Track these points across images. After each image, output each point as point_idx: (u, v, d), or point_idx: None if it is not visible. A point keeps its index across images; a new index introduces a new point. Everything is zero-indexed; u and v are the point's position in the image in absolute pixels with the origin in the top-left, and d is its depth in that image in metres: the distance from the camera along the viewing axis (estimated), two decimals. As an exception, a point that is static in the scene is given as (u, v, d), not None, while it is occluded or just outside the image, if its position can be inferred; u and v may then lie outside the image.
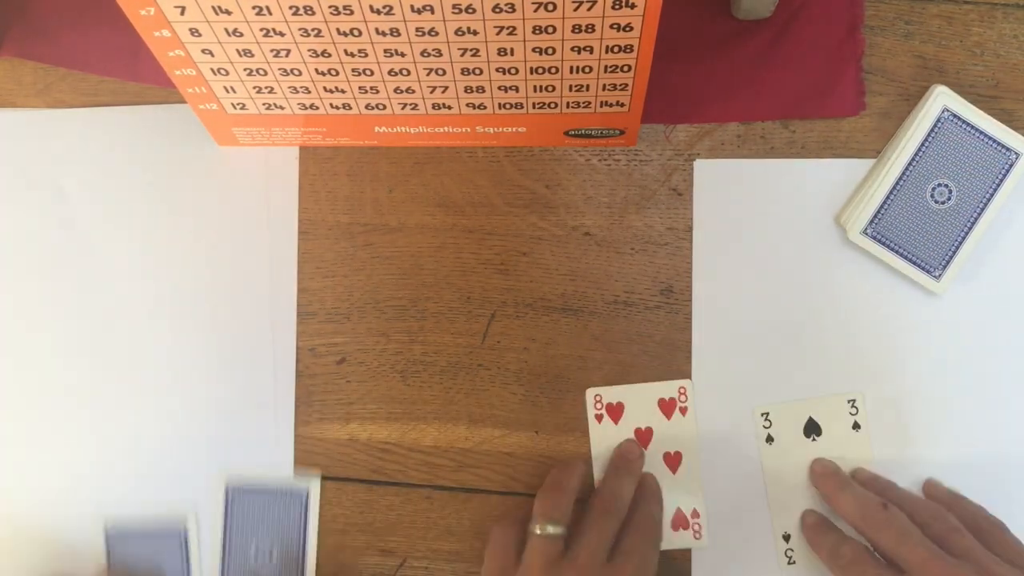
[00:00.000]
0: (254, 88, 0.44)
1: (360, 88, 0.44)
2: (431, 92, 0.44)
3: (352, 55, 0.41)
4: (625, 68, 0.42)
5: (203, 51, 0.41)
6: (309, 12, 0.38)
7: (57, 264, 0.51)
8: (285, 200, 0.51)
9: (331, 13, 0.38)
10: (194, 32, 0.40)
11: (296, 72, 0.43)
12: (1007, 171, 0.47)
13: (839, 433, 0.48)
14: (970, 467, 0.48)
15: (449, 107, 0.45)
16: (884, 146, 0.49)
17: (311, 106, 0.46)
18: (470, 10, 0.38)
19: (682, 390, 0.49)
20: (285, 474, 0.50)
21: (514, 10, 0.38)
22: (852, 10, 0.49)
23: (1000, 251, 0.48)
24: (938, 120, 0.47)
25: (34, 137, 0.51)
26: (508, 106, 0.45)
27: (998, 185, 0.47)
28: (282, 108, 0.46)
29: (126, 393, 0.50)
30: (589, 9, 0.38)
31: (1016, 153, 0.47)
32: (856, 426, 0.48)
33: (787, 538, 0.48)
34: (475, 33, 0.39)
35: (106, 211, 0.51)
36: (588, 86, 0.43)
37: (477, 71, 0.42)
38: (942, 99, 0.47)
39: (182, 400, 0.50)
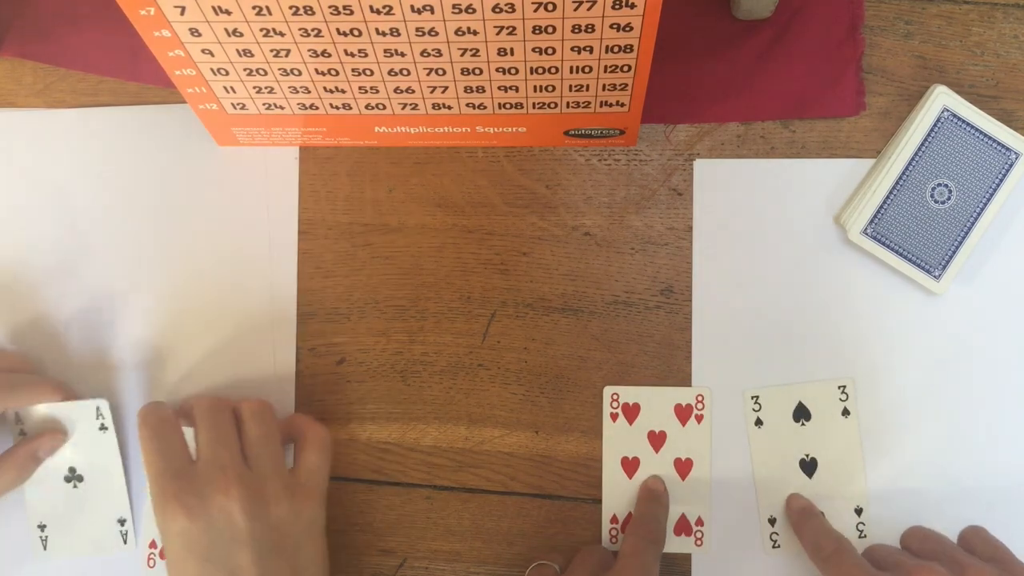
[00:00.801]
0: (254, 88, 0.44)
1: (360, 88, 0.44)
2: (431, 92, 0.44)
3: (352, 55, 0.41)
4: (625, 68, 0.42)
5: (203, 51, 0.41)
6: (309, 12, 0.38)
7: (57, 264, 0.51)
8: (285, 200, 0.51)
9: (331, 13, 0.38)
10: (194, 32, 0.40)
11: (296, 72, 0.43)
12: (1007, 171, 0.47)
13: (828, 418, 0.48)
14: (965, 465, 0.48)
15: (449, 107, 0.45)
16: (884, 146, 0.49)
17: (311, 106, 0.46)
18: (470, 10, 0.38)
19: (699, 398, 0.49)
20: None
21: (514, 10, 0.38)
22: (852, 10, 0.49)
23: (1000, 251, 0.48)
24: (938, 120, 0.47)
25: (34, 137, 0.51)
26: (508, 106, 0.45)
27: (998, 185, 0.47)
28: (282, 108, 0.46)
29: (124, 390, 0.50)
30: (589, 9, 0.38)
31: (1016, 153, 0.47)
32: (846, 412, 0.48)
33: (772, 521, 0.48)
34: (475, 33, 0.39)
35: (106, 211, 0.51)
36: (588, 86, 0.43)
37: (477, 71, 0.42)
38: (942, 99, 0.47)
39: (182, 400, 0.50)
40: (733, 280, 0.49)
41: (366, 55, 0.41)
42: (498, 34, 0.39)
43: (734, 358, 0.49)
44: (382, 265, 0.50)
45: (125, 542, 0.49)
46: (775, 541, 0.48)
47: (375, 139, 0.49)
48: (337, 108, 0.46)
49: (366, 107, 0.46)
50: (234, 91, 0.45)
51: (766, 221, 0.49)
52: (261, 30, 0.40)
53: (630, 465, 0.49)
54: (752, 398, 0.49)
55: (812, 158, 0.49)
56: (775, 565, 0.48)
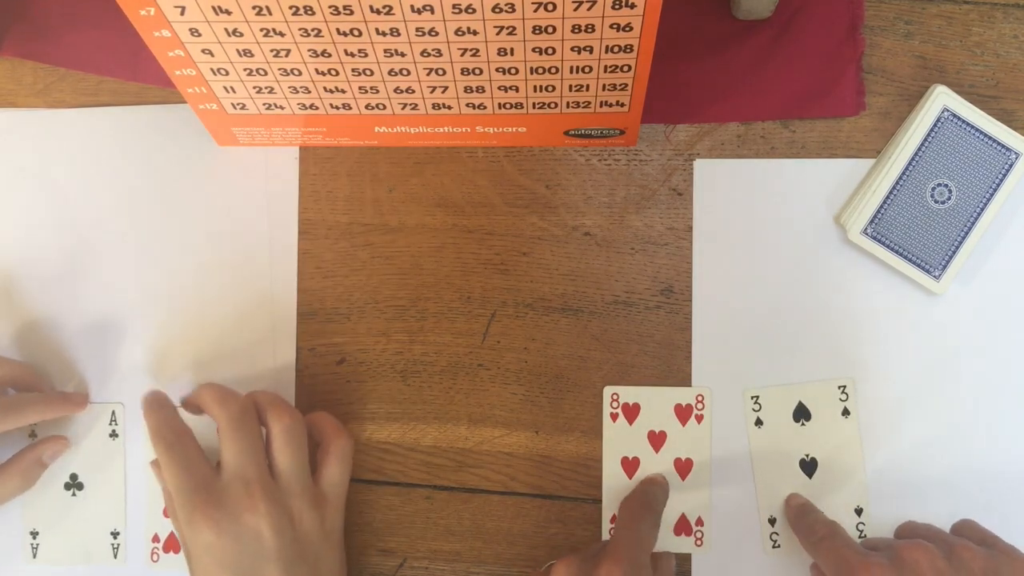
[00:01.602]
0: (254, 88, 0.44)
1: (360, 88, 0.44)
2: (431, 92, 0.44)
3: (352, 55, 0.41)
4: (625, 68, 0.42)
5: (203, 51, 0.41)
6: (309, 12, 0.38)
7: (57, 264, 0.51)
8: (285, 200, 0.51)
9: (331, 13, 0.38)
10: (194, 32, 0.40)
11: (296, 72, 0.43)
12: (1007, 171, 0.47)
13: (828, 418, 0.48)
14: (965, 465, 0.48)
15: (449, 107, 0.45)
16: (884, 146, 0.49)
17: (311, 106, 0.46)
18: (470, 10, 0.38)
19: (699, 398, 0.49)
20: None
21: (514, 10, 0.38)
22: (852, 10, 0.49)
23: (1000, 251, 0.48)
24: (938, 120, 0.47)
25: (34, 137, 0.51)
26: (508, 106, 0.45)
27: (998, 185, 0.47)
28: (282, 108, 0.46)
29: (126, 393, 0.50)
30: (589, 9, 0.38)
31: (1016, 153, 0.47)
32: (846, 412, 0.48)
33: (772, 521, 0.48)
34: (475, 33, 0.39)
35: (106, 211, 0.51)
36: (588, 86, 0.43)
37: (477, 71, 0.42)
38: (942, 99, 0.47)
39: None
40: (733, 280, 0.49)
41: (366, 55, 0.41)
42: (498, 34, 0.39)
43: (734, 358, 0.49)
44: (382, 265, 0.50)
45: (115, 556, 0.49)
46: (775, 541, 0.48)
47: (375, 139, 0.49)
48: (337, 108, 0.46)
49: (366, 107, 0.46)
50: (234, 91, 0.45)
51: (766, 221, 0.49)
52: (261, 30, 0.40)
53: (630, 465, 0.49)
54: (752, 398, 0.49)
55: (812, 158, 0.49)
56: (775, 565, 0.48)
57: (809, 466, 0.48)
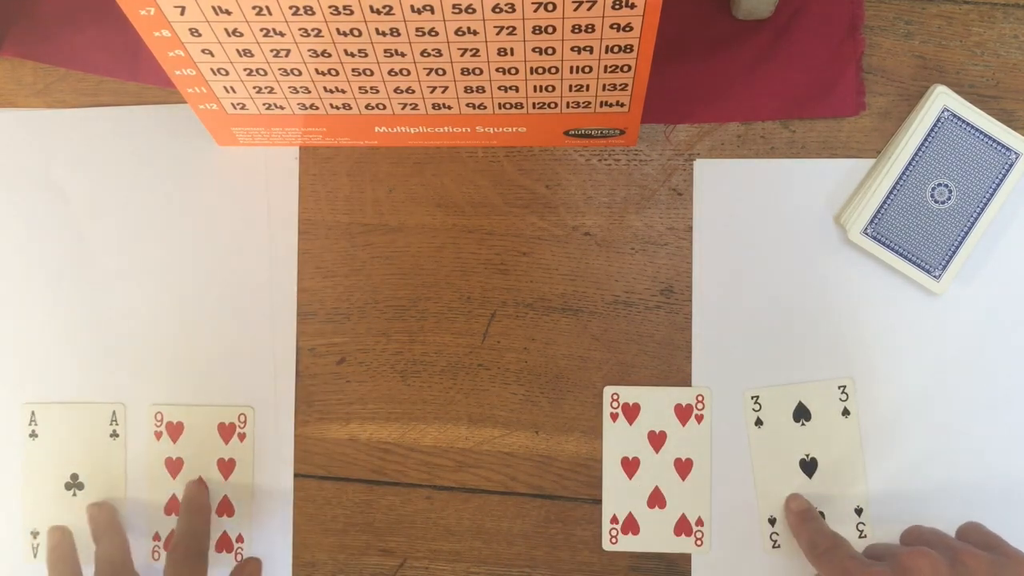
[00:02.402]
0: (254, 88, 0.44)
1: (360, 88, 0.44)
2: (431, 92, 0.44)
3: (352, 55, 0.41)
4: (625, 68, 0.42)
5: (203, 51, 0.41)
6: (309, 12, 0.38)
7: (57, 264, 0.51)
8: (285, 200, 0.51)
9: (331, 13, 0.38)
10: (194, 32, 0.40)
11: (296, 72, 0.43)
12: (1007, 171, 0.47)
13: (828, 418, 0.48)
14: (965, 464, 0.48)
15: (449, 107, 0.45)
16: (884, 146, 0.49)
17: (311, 106, 0.46)
18: (470, 10, 0.38)
19: (699, 398, 0.49)
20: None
21: (514, 10, 0.38)
22: (852, 10, 0.49)
23: (1000, 251, 0.48)
24: (938, 120, 0.47)
25: (35, 137, 0.51)
26: (508, 106, 0.45)
27: (998, 185, 0.47)
28: (282, 108, 0.46)
29: (126, 393, 0.50)
30: (589, 9, 0.38)
31: (1016, 153, 0.47)
32: (845, 412, 0.48)
33: (772, 522, 0.48)
34: (475, 33, 0.39)
35: (106, 211, 0.51)
36: (588, 86, 0.43)
37: (477, 71, 0.42)
38: (942, 99, 0.47)
39: (183, 400, 0.50)
40: (733, 280, 0.49)
41: (366, 55, 0.41)
42: (498, 34, 0.39)
43: (734, 358, 0.49)
44: (382, 265, 0.50)
45: None
46: (775, 541, 0.48)
47: (375, 139, 0.49)
48: (337, 108, 0.46)
49: (366, 107, 0.46)
50: (234, 91, 0.45)
51: (766, 221, 0.49)
52: (261, 30, 0.40)
53: (630, 465, 0.49)
54: (752, 398, 0.49)
55: (812, 158, 0.49)
56: (775, 565, 0.48)
57: (809, 466, 0.48)
